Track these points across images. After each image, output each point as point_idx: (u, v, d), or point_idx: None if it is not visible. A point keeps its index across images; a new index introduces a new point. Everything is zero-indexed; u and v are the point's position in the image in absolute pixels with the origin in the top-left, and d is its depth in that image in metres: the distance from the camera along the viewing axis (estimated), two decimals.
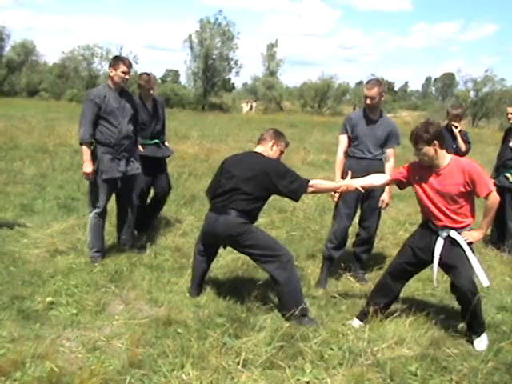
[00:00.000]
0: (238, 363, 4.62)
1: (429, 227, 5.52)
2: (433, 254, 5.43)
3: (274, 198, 11.52)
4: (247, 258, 7.31)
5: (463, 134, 9.03)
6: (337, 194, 6.43)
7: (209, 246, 6.18)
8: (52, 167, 13.20)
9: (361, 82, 72.54)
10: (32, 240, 7.73)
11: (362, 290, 6.72)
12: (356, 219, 7.36)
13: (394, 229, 9.89)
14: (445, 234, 5.39)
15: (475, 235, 5.39)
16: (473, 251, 5.36)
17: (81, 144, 6.96)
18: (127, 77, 7.01)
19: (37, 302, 5.66)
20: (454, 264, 5.36)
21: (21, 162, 13.73)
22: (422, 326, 5.64)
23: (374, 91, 6.80)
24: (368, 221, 7.24)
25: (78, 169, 12.96)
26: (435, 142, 5.19)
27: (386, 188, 7.00)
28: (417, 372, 4.72)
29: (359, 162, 6.92)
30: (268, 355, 4.76)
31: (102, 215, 7.18)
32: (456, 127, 8.98)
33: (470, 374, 4.67)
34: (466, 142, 8.97)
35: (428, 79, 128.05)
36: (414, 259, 5.60)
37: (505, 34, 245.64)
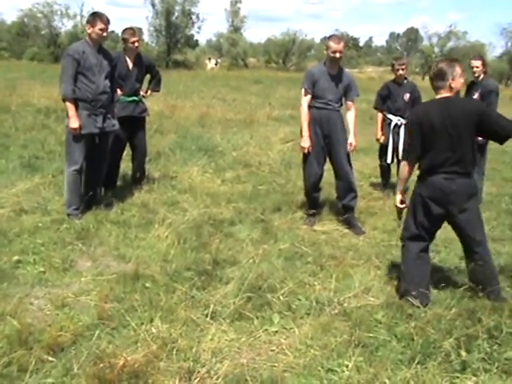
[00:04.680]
0: (207, 315, 4.67)
1: None
2: None
3: (239, 152, 11.61)
4: (214, 212, 7.41)
5: (413, 86, 9.18)
6: None
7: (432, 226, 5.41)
8: (15, 127, 12.95)
9: (326, 38, 72.26)
10: None
11: (327, 241, 6.80)
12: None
13: (360, 182, 9.99)
14: None
15: None
16: None
17: (63, 100, 6.89)
18: (105, 34, 6.95)
19: (3, 262, 5.61)
20: None
21: None
22: (387, 276, 5.75)
23: (342, 45, 7.13)
24: (342, 170, 7.42)
25: (43, 128, 12.90)
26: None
27: (352, 131, 7.36)
28: (382, 320, 4.81)
29: (319, 111, 7.29)
30: (236, 306, 4.81)
31: (80, 172, 7.10)
32: (405, 78, 9.11)
33: (434, 321, 4.76)
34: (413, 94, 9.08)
35: (392, 35, 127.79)
36: None
37: None
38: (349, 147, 7.38)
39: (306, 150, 7.31)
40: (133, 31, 8.12)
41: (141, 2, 73.34)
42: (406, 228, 5.37)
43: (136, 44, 8.09)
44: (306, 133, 7.24)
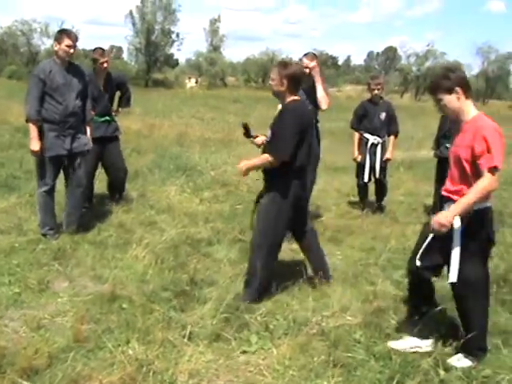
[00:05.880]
0: (184, 336, 4.62)
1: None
2: None
3: (217, 172, 11.60)
4: (191, 231, 7.39)
5: (388, 105, 9.29)
6: None
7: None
8: None
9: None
10: None
11: (305, 261, 6.77)
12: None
13: (338, 200, 10.04)
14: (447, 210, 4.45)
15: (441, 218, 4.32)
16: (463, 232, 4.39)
17: (27, 121, 6.83)
18: (72, 50, 6.81)
19: None
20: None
21: None
22: (365, 295, 5.75)
23: (315, 62, 7.49)
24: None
25: (20, 148, 12.79)
26: (457, 89, 4.39)
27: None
28: (361, 339, 4.79)
29: None
30: (213, 327, 4.79)
31: (50, 193, 7.02)
32: (381, 98, 9.21)
33: None
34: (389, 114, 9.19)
35: (370, 54, 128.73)
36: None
37: (448, 9, 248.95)
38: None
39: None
40: (102, 51, 8.11)
41: (121, 20, 73.62)
42: None
43: (105, 65, 8.08)
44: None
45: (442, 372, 4.30)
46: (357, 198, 9.75)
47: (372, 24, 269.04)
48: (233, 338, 4.70)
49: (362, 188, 9.47)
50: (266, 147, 5.56)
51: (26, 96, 6.81)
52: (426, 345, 4.73)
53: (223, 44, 69.80)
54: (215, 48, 68.33)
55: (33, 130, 6.76)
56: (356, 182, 9.56)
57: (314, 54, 7.74)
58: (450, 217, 4.26)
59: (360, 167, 9.25)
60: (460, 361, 4.52)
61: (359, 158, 9.21)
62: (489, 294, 4.74)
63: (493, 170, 4.14)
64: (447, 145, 8.87)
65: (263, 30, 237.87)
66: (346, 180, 11.46)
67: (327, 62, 78.48)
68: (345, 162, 11.77)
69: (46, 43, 60.63)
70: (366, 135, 9.05)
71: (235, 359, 4.45)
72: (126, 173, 8.75)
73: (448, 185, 4.65)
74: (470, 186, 4.29)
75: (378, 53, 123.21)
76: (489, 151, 4.15)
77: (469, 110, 4.43)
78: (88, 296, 5.41)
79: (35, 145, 6.75)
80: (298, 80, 5.54)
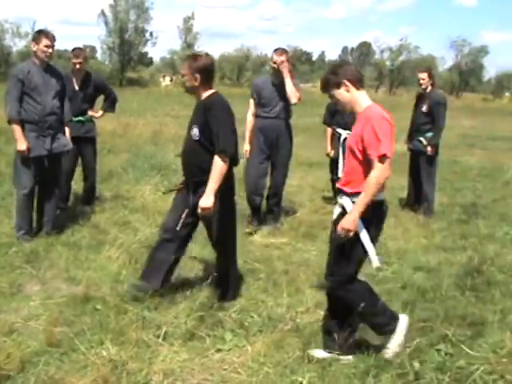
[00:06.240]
0: (158, 336, 4.60)
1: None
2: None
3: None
4: None
5: None
6: None
7: None
8: None
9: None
10: None
11: (280, 257, 6.79)
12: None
13: (313, 196, 10.05)
14: (340, 201, 4.50)
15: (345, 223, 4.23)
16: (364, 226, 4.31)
17: (9, 122, 6.78)
18: (50, 50, 6.80)
19: None
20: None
21: None
22: None
23: (284, 57, 7.67)
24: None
25: None
26: (345, 82, 4.37)
27: None
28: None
29: (263, 120, 7.87)
30: (188, 326, 4.78)
31: (29, 196, 6.95)
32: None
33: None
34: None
35: (344, 49, 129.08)
36: None
37: (421, 3, 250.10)
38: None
39: (246, 155, 7.99)
40: (76, 52, 8.14)
41: (94, 20, 73.27)
42: None
43: (78, 66, 8.10)
44: (247, 139, 7.98)
45: (416, 364, 4.32)
46: (331, 194, 9.76)
47: (346, 19, 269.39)
48: (207, 337, 4.70)
49: (336, 183, 9.46)
50: (202, 149, 5.21)
51: (6, 96, 6.76)
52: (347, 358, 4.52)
53: (197, 41, 69.70)
54: (189, 46, 68.16)
55: (17, 131, 6.70)
56: (330, 177, 9.57)
57: (284, 49, 7.87)
58: (352, 220, 4.19)
59: (333, 162, 9.25)
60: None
61: (332, 153, 9.22)
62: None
63: (382, 158, 4.09)
64: (420, 138, 8.95)
65: (238, 27, 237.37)
66: (320, 175, 11.49)
67: (301, 58, 78.57)
68: (319, 157, 11.80)
69: (17, 44, 60.32)
70: (339, 130, 9.05)
71: (210, 357, 4.45)
72: (95, 175, 8.76)
73: (342, 176, 4.64)
74: (360, 177, 4.26)
75: (352, 48, 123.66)
76: (377, 140, 4.11)
77: (361, 101, 4.40)
78: (61, 298, 5.37)
79: (22, 144, 6.68)
80: (210, 72, 5.30)
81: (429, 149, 8.85)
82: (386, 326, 4.47)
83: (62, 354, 4.38)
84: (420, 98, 9.28)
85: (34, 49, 6.79)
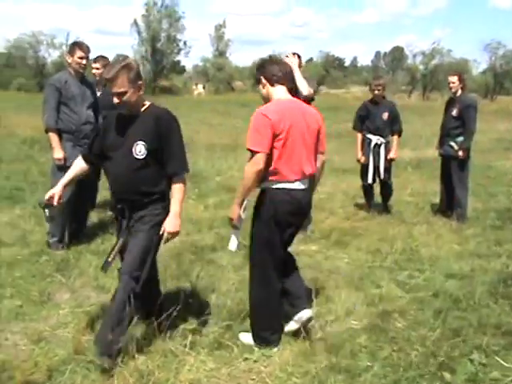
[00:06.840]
0: (185, 346, 4.56)
1: None
2: None
3: (222, 177, 11.56)
4: (195, 238, 7.36)
5: (390, 105, 9.28)
6: None
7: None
8: None
9: (311, 59, 72.85)
10: None
11: (310, 265, 6.72)
12: None
13: (345, 203, 9.97)
14: None
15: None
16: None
17: (46, 131, 6.85)
18: (84, 62, 6.94)
19: None
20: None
21: None
22: (370, 298, 5.68)
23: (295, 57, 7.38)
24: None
25: (26, 159, 12.83)
26: (261, 78, 4.71)
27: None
28: (365, 344, 4.74)
29: None
30: (215, 335, 4.76)
31: (66, 204, 6.92)
32: (384, 97, 9.14)
33: (418, 343, 4.70)
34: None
35: (377, 54, 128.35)
36: None
37: (454, 6, 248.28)
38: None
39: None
40: (104, 62, 8.22)
41: (127, 29, 74.02)
42: None
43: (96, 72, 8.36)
44: None
45: (448, 375, 4.24)
46: (363, 200, 9.68)
47: (379, 24, 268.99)
48: (235, 346, 4.66)
49: (367, 189, 9.40)
50: (146, 168, 4.53)
51: (43, 106, 6.86)
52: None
53: (229, 49, 69.93)
54: (221, 53, 68.44)
55: (54, 139, 6.79)
56: (361, 183, 9.50)
57: (295, 53, 7.60)
58: (234, 208, 4.67)
59: (364, 168, 9.18)
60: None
61: (362, 159, 9.15)
62: (272, 284, 4.68)
63: (251, 152, 4.39)
64: (451, 143, 8.82)
65: (269, 34, 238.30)
66: (353, 182, 11.38)
67: (334, 64, 78.25)
68: (353, 163, 11.69)
69: (52, 55, 61.01)
70: (369, 136, 8.98)
71: (237, 367, 4.40)
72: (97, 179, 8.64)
73: None
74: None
75: (385, 53, 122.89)
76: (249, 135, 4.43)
77: (275, 96, 4.68)
78: (90, 306, 5.38)
79: (58, 153, 6.77)
80: (141, 77, 4.66)
81: (460, 153, 8.72)
82: None
83: (89, 362, 4.35)
84: (450, 102, 9.15)
85: (69, 60, 6.92)
